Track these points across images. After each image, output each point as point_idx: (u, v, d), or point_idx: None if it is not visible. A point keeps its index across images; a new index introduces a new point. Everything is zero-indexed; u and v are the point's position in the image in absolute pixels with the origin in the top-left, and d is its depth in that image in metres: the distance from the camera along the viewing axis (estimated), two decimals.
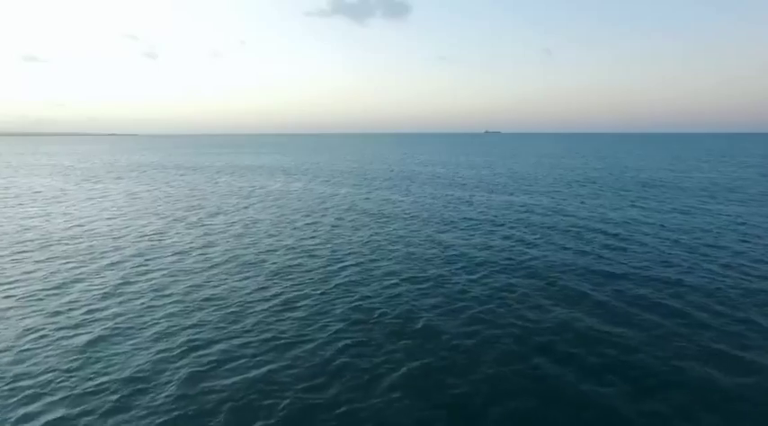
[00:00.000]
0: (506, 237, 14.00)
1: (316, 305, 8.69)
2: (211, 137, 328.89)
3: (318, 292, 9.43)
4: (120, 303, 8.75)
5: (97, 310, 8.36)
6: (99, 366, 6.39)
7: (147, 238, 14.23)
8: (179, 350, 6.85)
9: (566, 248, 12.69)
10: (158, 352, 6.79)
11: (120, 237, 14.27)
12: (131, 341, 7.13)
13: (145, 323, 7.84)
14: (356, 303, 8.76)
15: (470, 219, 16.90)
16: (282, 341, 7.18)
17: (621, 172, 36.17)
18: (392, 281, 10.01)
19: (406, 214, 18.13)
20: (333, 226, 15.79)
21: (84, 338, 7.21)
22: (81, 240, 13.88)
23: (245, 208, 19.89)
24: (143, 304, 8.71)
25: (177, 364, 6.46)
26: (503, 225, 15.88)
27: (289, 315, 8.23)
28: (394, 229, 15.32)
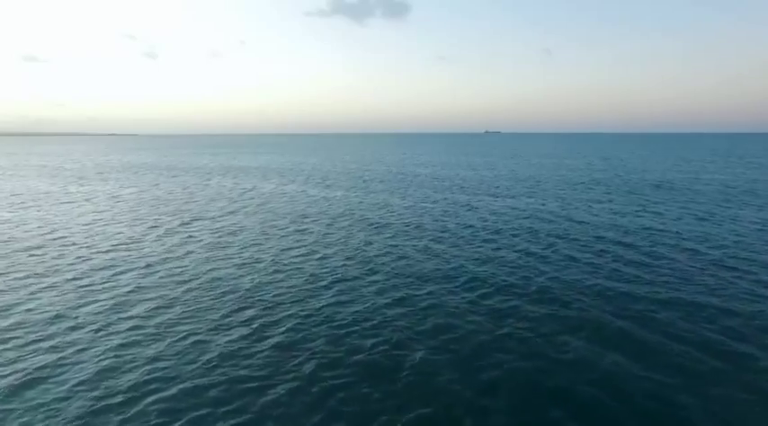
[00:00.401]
0: (510, 247, 12.84)
1: (297, 332, 7.53)
2: (211, 137, 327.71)
3: (302, 314, 8.28)
4: (71, 328, 7.59)
5: (40, 339, 7.20)
6: (22, 420, 5.23)
7: (122, 247, 13.08)
8: (126, 396, 5.69)
9: (576, 261, 11.53)
10: (100, 398, 5.63)
11: (91, 246, 13.10)
12: (70, 383, 5.97)
13: (92, 356, 6.68)
14: (344, 330, 7.61)
15: (471, 227, 15.74)
16: (254, 384, 6.02)
17: (627, 173, 35.00)
18: (385, 302, 8.85)
19: (402, 220, 16.97)
20: (323, 235, 14.63)
21: (14, 378, 6.04)
22: (48, 249, 12.72)
23: (232, 213, 18.71)
24: (97, 330, 7.55)
25: (120, 417, 5.30)
26: (506, 233, 14.71)
27: (264, 345, 7.07)
28: (389, 238, 14.16)
